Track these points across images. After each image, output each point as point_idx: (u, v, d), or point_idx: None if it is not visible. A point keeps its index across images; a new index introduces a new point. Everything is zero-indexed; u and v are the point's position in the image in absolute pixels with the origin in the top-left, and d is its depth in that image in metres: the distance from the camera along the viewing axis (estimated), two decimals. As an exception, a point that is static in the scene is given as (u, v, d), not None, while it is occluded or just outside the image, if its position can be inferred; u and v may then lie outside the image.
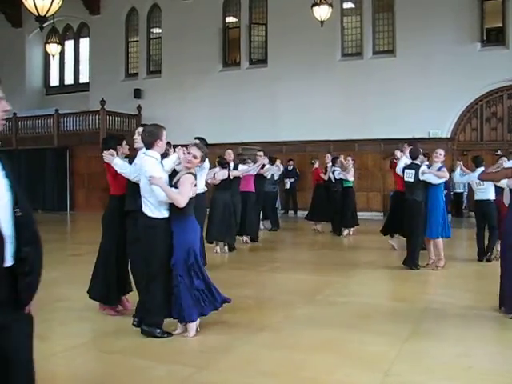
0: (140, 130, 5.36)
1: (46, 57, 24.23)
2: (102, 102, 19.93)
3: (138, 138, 5.34)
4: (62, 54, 22.80)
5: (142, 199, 4.82)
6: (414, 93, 17.15)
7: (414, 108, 17.05)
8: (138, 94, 21.74)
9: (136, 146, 5.38)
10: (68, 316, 5.66)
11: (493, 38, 17.28)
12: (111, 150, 5.27)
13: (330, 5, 15.20)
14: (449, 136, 17.16)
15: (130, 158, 5.53)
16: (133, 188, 5.21)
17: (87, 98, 22.61)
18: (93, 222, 17.16)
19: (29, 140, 21.39)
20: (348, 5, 19.05)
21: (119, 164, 5.27)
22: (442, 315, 5.61)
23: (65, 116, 21.14)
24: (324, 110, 18.18)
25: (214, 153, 19.90)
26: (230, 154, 10.13)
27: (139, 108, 21.62)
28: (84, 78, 24.30)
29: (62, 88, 25.12)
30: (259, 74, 19.67)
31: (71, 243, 11.51)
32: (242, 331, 5.00)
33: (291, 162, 18.10)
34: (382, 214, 17.59)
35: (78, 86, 24.58)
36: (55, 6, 8.99)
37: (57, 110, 21.15)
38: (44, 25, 9.51)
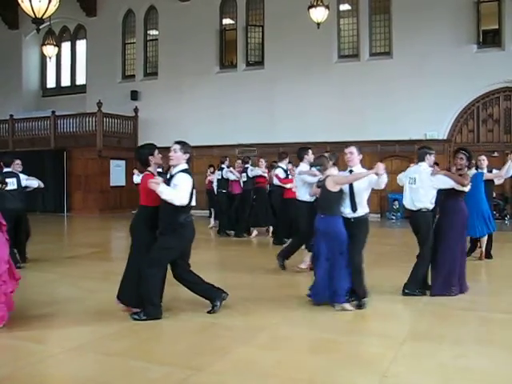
0: (176, 147, 5.44)
1: (43, 59, 24.19)
2: (99, 104, 19.90)
3: (173, 154, 5.44)
4: (58, 55, 22.78)
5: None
6: (410, 94, 17.18)
7: (411, 109, 17.07)
8: (134, 95, 21.72)
9: (171, 163, 5.51)
10: (65, 318, 5.64)
11: (489, 39, 17.31)
12: (157, 178, 5.31)
13: (327, 7, 15.20)
14: (445, 137, 17.19)
15: (164, 173, 5.64)
16: (167, 204, 5.31)
17: (84, 99, 22.59)
18: (90, 223, 17.20)
19: (25, 142, 21.36)
20: (344, 7, 19.07)
21: (165, 192, 5.26)
22: (439, 316, 5.61)
23: (61, 118, 21.09)
24: (321, 111, 18.20)
25: (212, 155, 20.04)
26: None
27: (136, 110, 21.62)
28: (81, 79, 24.28)
29: (59, 90, 25.09)
30: (256, 75, 19.67)
31: (68, 245, 11.50)
32: (240, 333, 5.00)
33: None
34: (379, 215, 17.61)
35: (74, 88, 24.54)
36: (52, 8, 8.95)
37: (53, 112, 21.11)
38: (41, 27, 9.45)
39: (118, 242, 13.70)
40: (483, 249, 9.14)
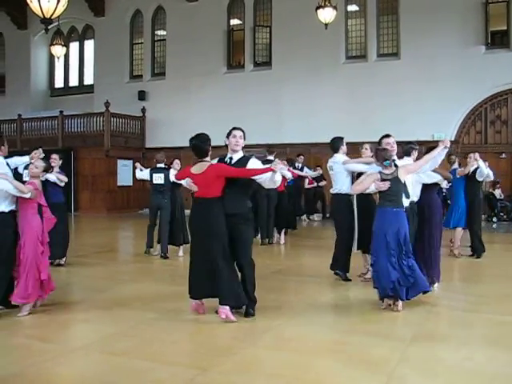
0: (242, 133, 5.54)
1: (51, 59, 24.34)
2: (107, 104, 19.97)
3: (240, 140, 5.51)
4: (66, 55, 22.87)
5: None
6: (418, 95, 17.14)
7: (418, 110, 17.04)
8: (142, 95, 21.79)
9: (237, 148, 5.54)
10: (72, 317, 5.68)
11: (497, 40, 17.25)
12: (284, 161, 5.36)
13: (335, 7, 15.21)
14: (453, 139, 17.11)
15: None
16: (235, 191, 5.35)
17: (92, 99, 22.67)
18: (97, 223, 17.24)
19: (33, 141, 21.36)
20: (352, 7, 19.06)
21: (279, 176, 5.38)
22: (445, 318, 5.60)
23: (69, 118, 21.17)
24: (328, 112, 18.19)
25: (219, 155, 20.04)
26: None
27: (143, 110, 21.69)
28: (89, 79, 24.37)
29: (67, 90, 25.19)
30: (263, 76, 19.69)
31: (75, 244, 11.53)
32: (246, 333, 5.00)
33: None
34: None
35: (82, 88, 24.64)
36: (60, 9, 9.01)
37: (61, 112, 21.20)
38: (49, 27, 9.50)
39: (126, 242, 13.75)
40: (457, 244, 9.47)
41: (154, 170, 9.78)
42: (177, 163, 9.98)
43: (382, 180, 5.78)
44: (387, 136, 6.67)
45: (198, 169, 5.42)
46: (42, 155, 8.17)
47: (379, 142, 6.68)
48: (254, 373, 4.07)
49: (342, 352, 4.49)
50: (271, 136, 18.55)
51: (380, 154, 5.95)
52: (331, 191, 7.63)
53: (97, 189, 20.49)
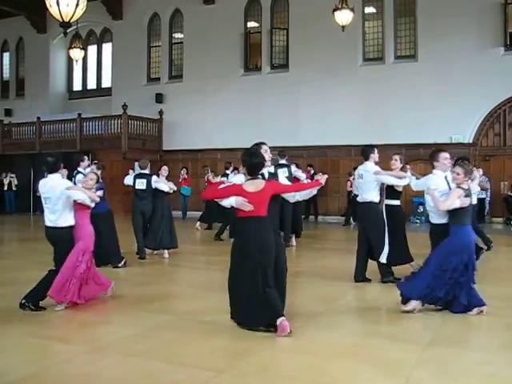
0: (268, 148, 5.56)
1: (70, 62, 24.56)
2: (124, 107, 20.09)
3: (270, 156, 5.55)
4: (85, 58, 23.09)
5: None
6: (435, 97, 17.03)
7: (436, 113, 16.92)
8: (159, 98, 21.90)
9: (269, 163, 5.60)
10: (88, 319, 5.71)
11: (516, 42, 17.08)
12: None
13: (352, 9, 15.17)
14: (471, 141, 16.99)
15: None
16: (272, 208, 5.18)
17: (109, 102, 22.85)
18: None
19: (52, 144, 21.65)
20: (369, 9, 19.00)
21: None
22: (463, 322, 5.54)
23: (87, 120, 21.35)
24: (345, 114, 18.14)
25: (236, 157, 20.03)
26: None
27: (161, 112, 21.79)
28: (106, 82, 24.57)
29: (85, 92, 25.44)
30: (280, 78, 19.69)
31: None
32: (262, 336, 5.00)
33: (309, 168, 17.69)
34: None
35: (100, 91, 24.85)
36: (79, 12, 9.09)
37: (79, 115, 21.38)
38: (68, 30, 9.61)
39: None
40: None
41: (137, 175, 9.98)
42: (164, 170, 10.16)
43: (466, 196, 5.73)
44: (444, 150, 6.40)
45: (252, 186, 5.02)
46: (87, 163, 8.53)
47: (432, 156, 6.34)
48: (271, 375, 4.06)
49: (359, 355, 4.47)
50: (288, 138, 18.51)
51: (470, 170, 5.90)
52: (358, 199, 7.57)
53: (114, 191, 20.54)
